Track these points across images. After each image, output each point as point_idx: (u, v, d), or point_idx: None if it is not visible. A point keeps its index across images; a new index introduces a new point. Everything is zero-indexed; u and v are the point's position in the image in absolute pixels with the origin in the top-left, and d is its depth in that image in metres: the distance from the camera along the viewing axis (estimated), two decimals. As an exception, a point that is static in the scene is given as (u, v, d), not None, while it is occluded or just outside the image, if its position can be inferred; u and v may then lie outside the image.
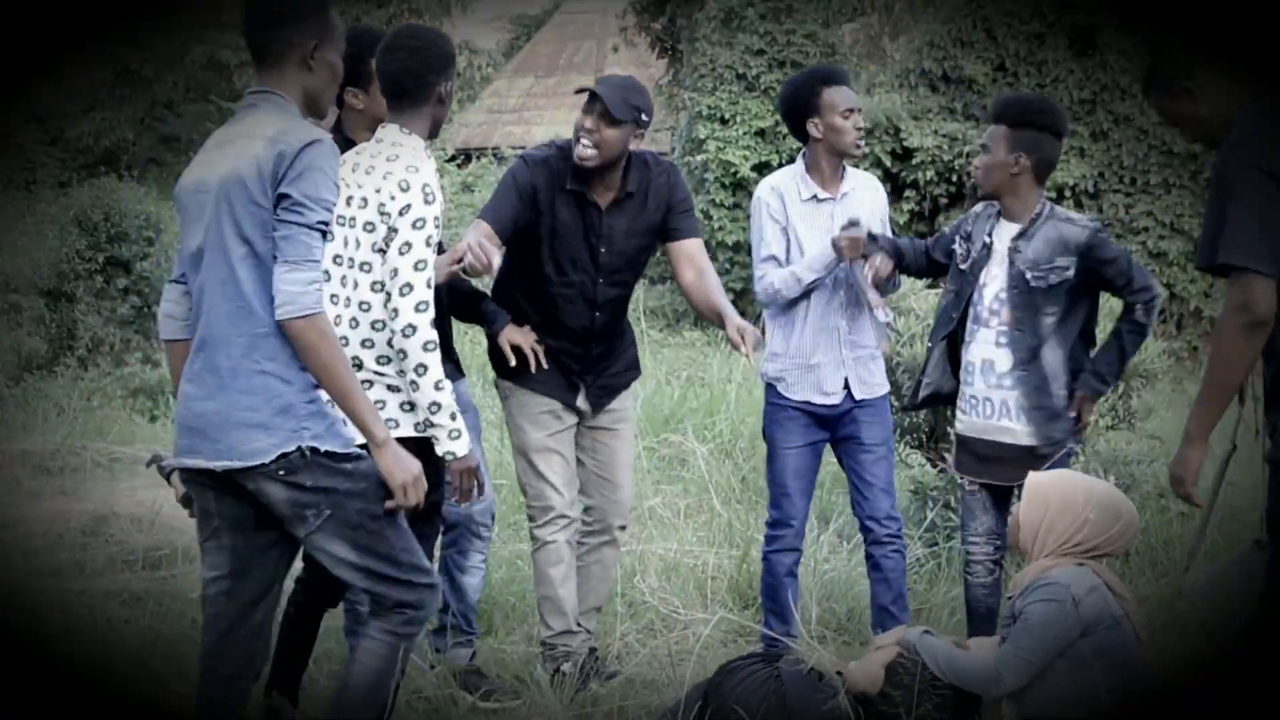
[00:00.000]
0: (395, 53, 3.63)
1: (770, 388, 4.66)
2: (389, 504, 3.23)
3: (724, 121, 13.86)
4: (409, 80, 3.60)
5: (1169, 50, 3.52)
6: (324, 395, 3.18)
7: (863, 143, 4.70)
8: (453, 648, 4.54)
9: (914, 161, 12.84)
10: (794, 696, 3.83)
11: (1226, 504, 6.20)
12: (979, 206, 4.51)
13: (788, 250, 4.55)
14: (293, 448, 3.10)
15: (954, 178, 12.81)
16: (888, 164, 12.94)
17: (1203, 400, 3.24)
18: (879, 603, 4.67)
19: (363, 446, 3.24)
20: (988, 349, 4.33)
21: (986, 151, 4.33)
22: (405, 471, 3.20)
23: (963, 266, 4.42)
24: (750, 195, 16.12)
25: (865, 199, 4.68)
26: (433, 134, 3.66)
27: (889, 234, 4.72)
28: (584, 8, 24.41)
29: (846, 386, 4.59)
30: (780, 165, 13.65)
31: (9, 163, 21.82)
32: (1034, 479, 3.89)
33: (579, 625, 4.57)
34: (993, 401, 4.33)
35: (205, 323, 3.16)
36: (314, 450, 3.12)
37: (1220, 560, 4.07)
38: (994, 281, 4.33)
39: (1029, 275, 4.25)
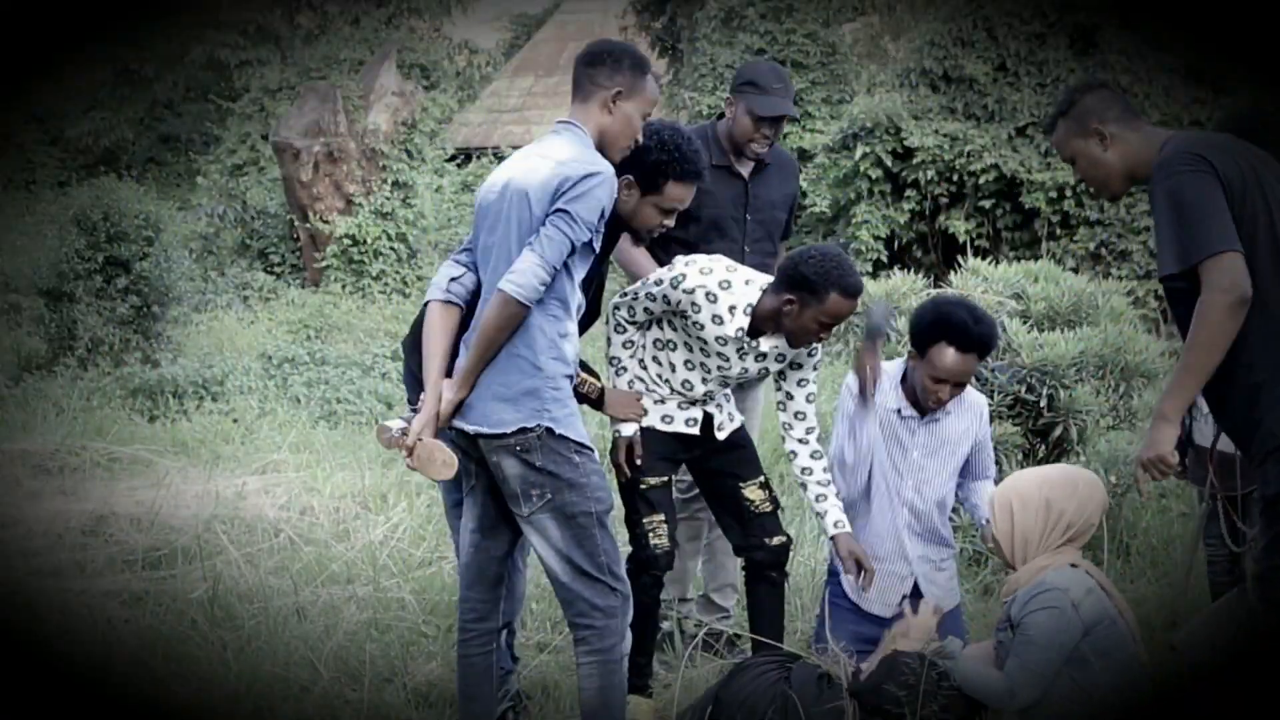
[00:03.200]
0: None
1: None
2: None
3: (724, 121, 13.86)
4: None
5: (1094, 93, 3.58)
6: (566, 388, 3.60)
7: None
8: None
9: (915, 161, 12.83)
10: (800, 697, 3.83)
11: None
12: None
13: None
14: (532, 424, 3.51)
15: (955, 177, 12.79)
16: (888, 164, 12.93)
17: (1181, 381, 3.33)
18: None
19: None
20: None
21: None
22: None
23: None
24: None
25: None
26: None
27: None
28: (584, 8, 24.39)
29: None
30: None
31: (9, 163, 21.81)
32: (994, 491, 3.89)
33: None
34: None
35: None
36: (549, 431, 3.52)
37: (1206, 610, 4.06)
38: None
39: None
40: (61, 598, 5.23)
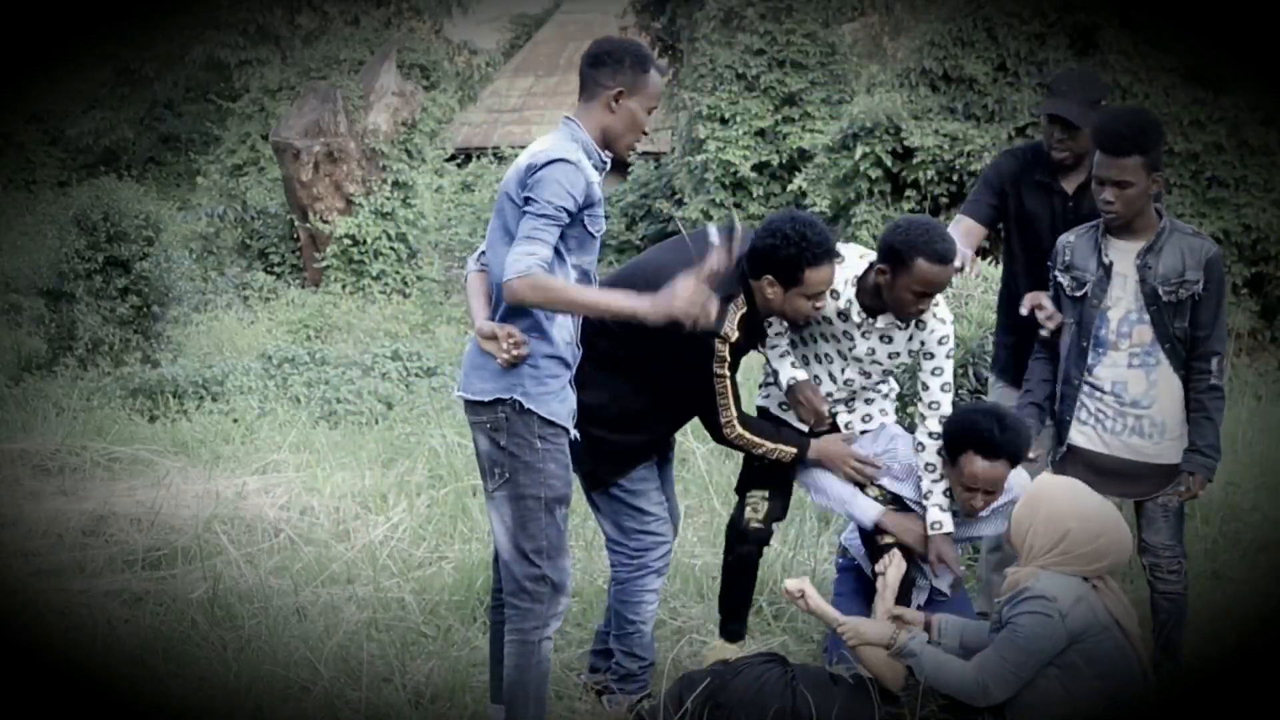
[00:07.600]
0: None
1: None
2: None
3: (724, 121, 13.85)
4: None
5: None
6: (546, 367, 3.70)
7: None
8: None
9: (914, 161, 12.83)
10: (812, 696, 3.82)
11: (1227, 503, 6.21)
12: (1069, 235, 4.39)
13: None
14: (506, 396, 3.67)
15: (955, 177, 12.79)
16: (888, 164, 12.93)
17: None
18: None
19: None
20: (1119, 371, 4.26)
21: (1120, 186, 4.12)
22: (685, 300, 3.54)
23: (1077, 294, 4.30)
24: (750, 194, 15.84)
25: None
26: None
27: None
28: (584, 8, 24.40)
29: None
30: (781, 165, 13.67)
31: (9, 163, 21.84)
32: (1039, 481, 3.89)
33: None
34: (1125, 419, 4.28)
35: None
36: (519, 406, 3.67)
37: None
38: (1119, 304, 4.25)
39: (1161, 291, 4.17)
40: (61, 598, 5.23)
